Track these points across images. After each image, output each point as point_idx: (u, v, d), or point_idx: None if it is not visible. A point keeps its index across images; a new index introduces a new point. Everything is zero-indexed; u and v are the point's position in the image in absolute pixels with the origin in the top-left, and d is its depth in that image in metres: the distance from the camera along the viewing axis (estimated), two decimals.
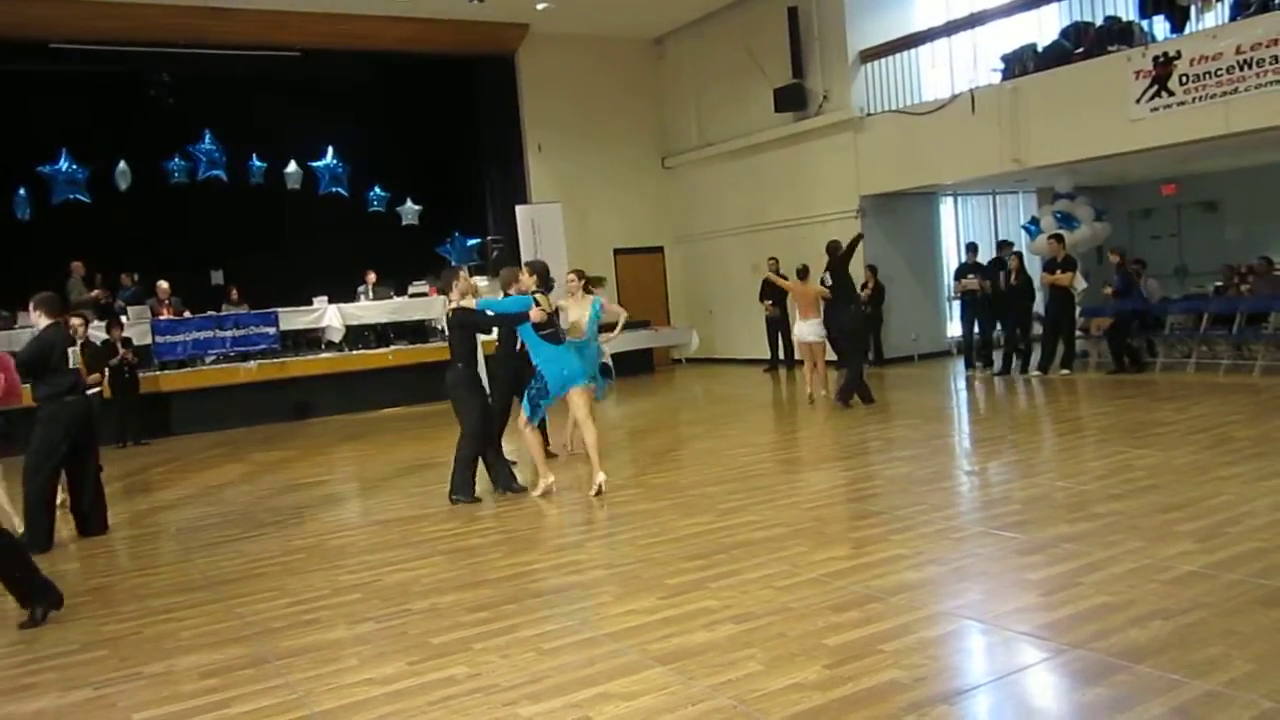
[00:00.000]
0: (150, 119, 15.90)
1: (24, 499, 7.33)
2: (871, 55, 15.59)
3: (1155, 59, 11.70)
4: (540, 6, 16.59)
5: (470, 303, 7.94)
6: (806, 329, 11.84)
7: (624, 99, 19.15)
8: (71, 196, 15.42)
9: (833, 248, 11.79)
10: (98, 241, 15.06)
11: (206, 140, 16.37)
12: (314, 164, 17.38)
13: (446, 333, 7.98)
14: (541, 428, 8.24)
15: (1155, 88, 11.70)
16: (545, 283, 7.71)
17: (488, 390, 8.34)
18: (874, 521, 6.27)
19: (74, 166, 15.41)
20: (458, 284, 7.83)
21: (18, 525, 7.33)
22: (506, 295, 8.35)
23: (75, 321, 10.07)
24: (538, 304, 7.54)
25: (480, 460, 8.00)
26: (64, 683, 4.51)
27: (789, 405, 12.12)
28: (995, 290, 13.37)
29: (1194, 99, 11.37)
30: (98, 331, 13.62)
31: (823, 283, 11.87)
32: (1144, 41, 12.23)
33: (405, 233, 17.89)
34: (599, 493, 7.62)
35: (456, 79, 18.13)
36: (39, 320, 7.38)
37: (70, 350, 7.37)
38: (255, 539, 7.24)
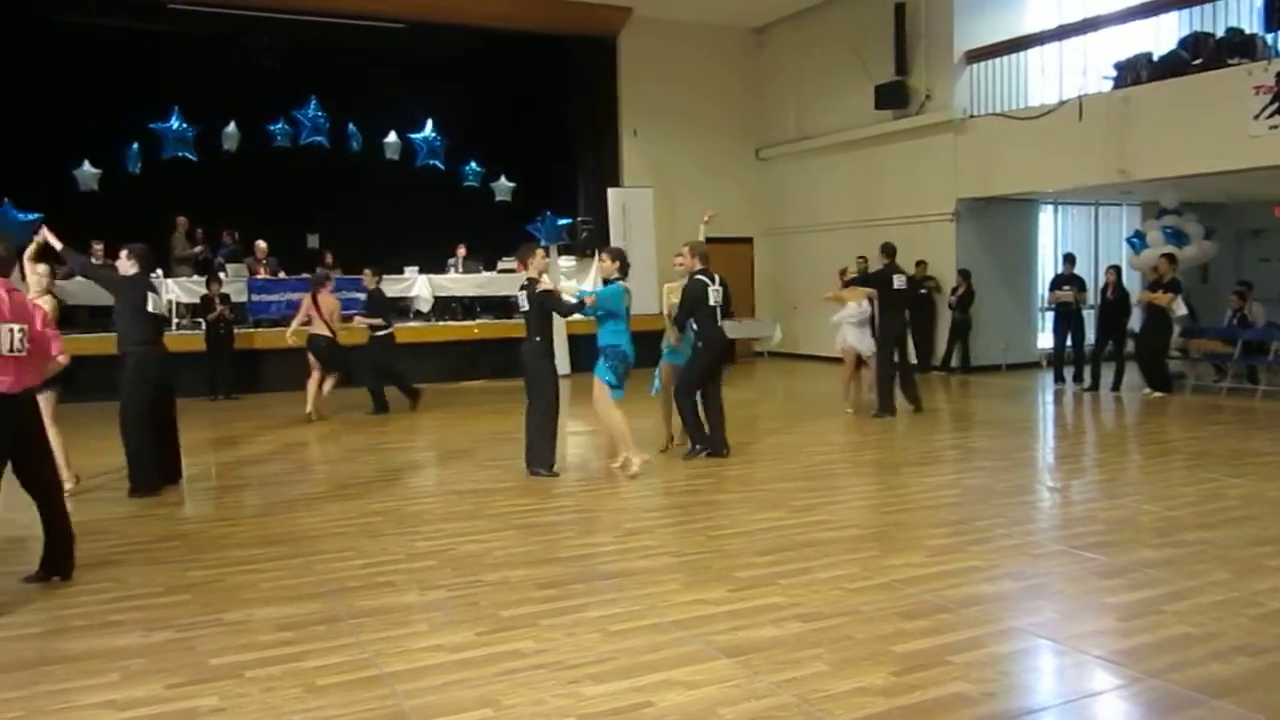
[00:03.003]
0: (258, 83, 16.32)
1: (124, 446, 7.62)
2: (978, 56, 15.28)
3: (1278, 74, 11.25)
4: None
5: (569, 290, 8.36)
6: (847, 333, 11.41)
7: (722, 88, 19.06)
8: (180, 154, 15.90)
9: (890, 249, 11.26)
10: (202, 198, 15.53)
11: (311, 107, 16.71)
12: (413, 136, 17.63)
13: (524, 307, 8.10)
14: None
15: (1276, 104, 11.25)
16: (625, 268, 8.04)
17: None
18: (950, 531, 6.17)
19: (184, 125, 15.87)
20: (534, 260, 8.08)
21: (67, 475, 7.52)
22: (704, 270, 8.69)
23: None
24: (627, 291, 7.91)
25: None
26: (148, 623, 4.68)
27: (870, 406, 11.96)
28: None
29: None
30: (196, 286, 14.10)
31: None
32: (1267, 55, 11.75)
33: (498, 209, 18.06)
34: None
35: (557, 59, 18.23)
36: (128, 269, 7.62)
37: (152, 296, 7.59)
38: (335, 499, 7.41)
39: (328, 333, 11.64)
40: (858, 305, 11.25)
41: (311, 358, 11.67)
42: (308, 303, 11.80)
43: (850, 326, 11.34)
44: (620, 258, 8.07)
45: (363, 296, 14.62)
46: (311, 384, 11.61)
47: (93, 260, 12.10)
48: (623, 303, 7.86)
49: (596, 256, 17.07)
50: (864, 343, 11.32)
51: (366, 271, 12.53)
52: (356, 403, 12.24)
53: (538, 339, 8.00)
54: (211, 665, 4.16)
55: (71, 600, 5.04)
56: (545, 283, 8.10)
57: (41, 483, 5.34)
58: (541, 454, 8.06)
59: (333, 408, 12.01)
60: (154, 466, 7.65)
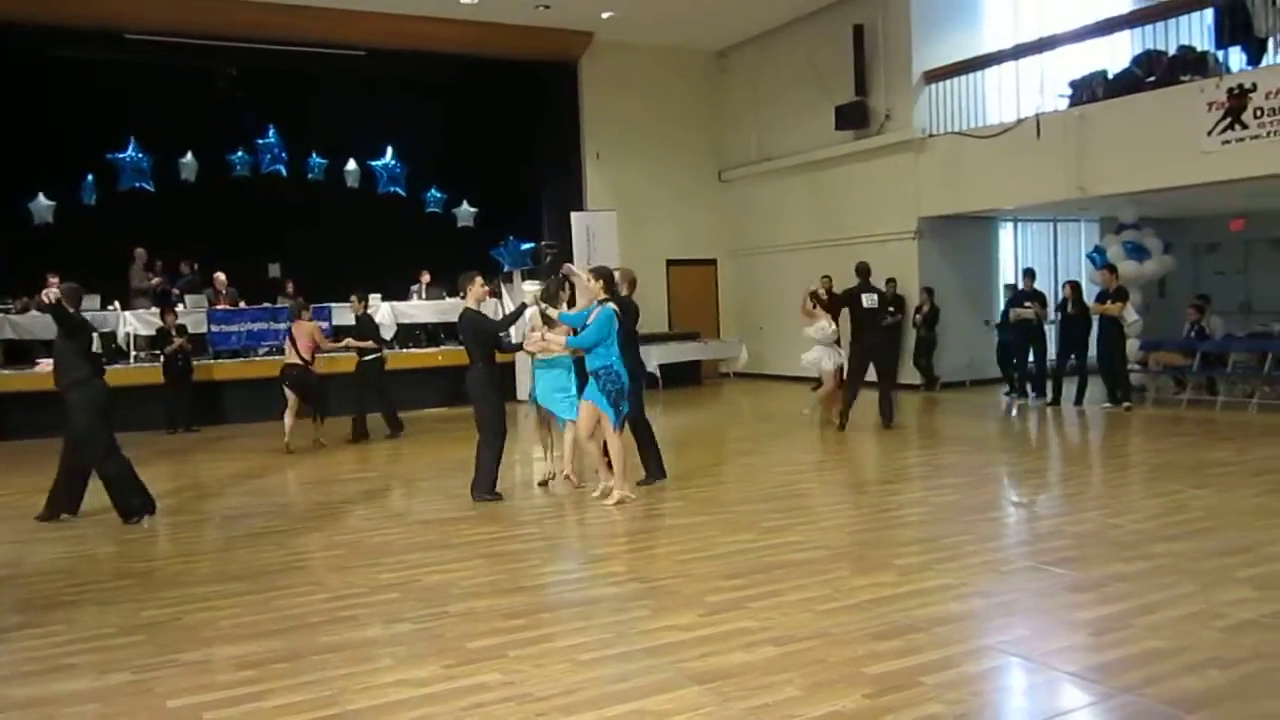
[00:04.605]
0: (217, 112, 16.15)
1: (107, 482, 7.60)
2: (936, 76, 15.43)
3: (1230, 90, 11.43)
4: (605, 16, 16.63)
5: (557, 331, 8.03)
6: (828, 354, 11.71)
7: (684, 110, 19.12)
8: (137, 185, 15.71)
9: (863, 269, 11.60)
10: (160, 229, 15.36)
11: (270, 135, 16.59)
12: (373, 163, 17.54)
13: (460, 336, 8.18)
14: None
15: (1228, 120, 11.43)
16: (610, 288, 7.77)
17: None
18: (919, 549, 6.15)
19: (141, 155, 15.69)
20: (471, 288, 8.07)
21: None
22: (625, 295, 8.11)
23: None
24: (615, 313, 7.61)
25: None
26: (102, 665, 4.54)
27: (836, 425, 11.97)
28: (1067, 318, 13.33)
29: (1269, 133, 11.08)
30: (154, 318, 13.89)
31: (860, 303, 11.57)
32: (1219, 72, 11.94)
33: (460, 234, 17.95)
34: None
35: (518, 83, 18.19)
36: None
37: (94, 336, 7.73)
38: (297, 532, 7.28)
39: (300, 361, 11.55)
40: (826, 323, 11.41)
41: (286, 388, 11.60)
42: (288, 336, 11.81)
43: (818, 346, 11.47)
44: (606, 276, 7.78)
45: (327, 325, 14.58)
46: (289, 416, 11.55)
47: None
48: (611, 327, 7.56)
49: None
50: (830, 360, 11.50)
51: (352, 298, 12.75)
52: (334, 432, 12.07)
53: (479, 365, 7.99)
54: (169, 708, 4.04)
55: (21, 644, 4.88)
56: (536, 322, 8.17)
57: None
58: (482, 482, 8.04)
59: (309, 437, 11.85)
60: (140, 485, 7.69)
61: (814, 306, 11.75)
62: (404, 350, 15.56)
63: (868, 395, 11.64)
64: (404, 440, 12.19)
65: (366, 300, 12.78)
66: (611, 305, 7.62)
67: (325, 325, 14.66)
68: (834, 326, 11.62)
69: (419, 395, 15.05)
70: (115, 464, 7.60)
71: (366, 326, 12.47)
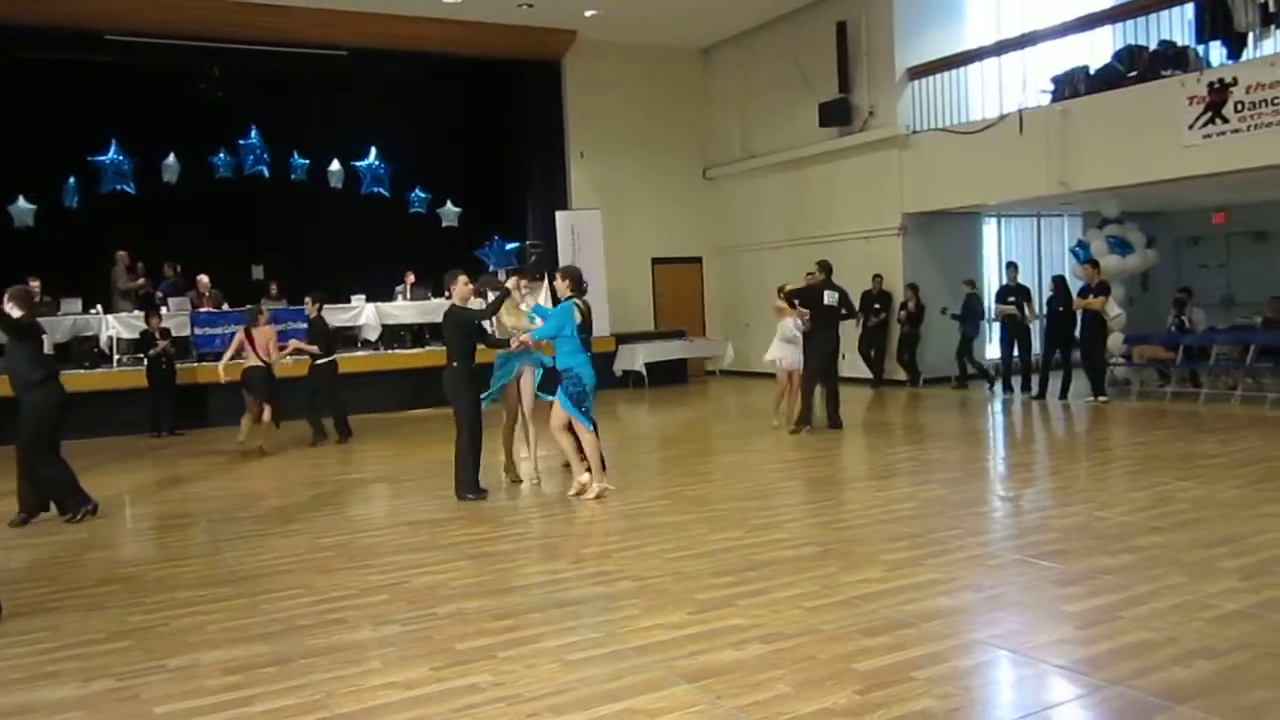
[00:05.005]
0: (199, 113, 16.06)
1: (41, 483, 7.67)
2: (919, 72, 15.46)
3: (1210, 85, 11.50)
4: (589, 14, 16.61)
5: (517, 319, 8.34)
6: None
7: (668, 108, 19.11)
8: (119, 187, 15.61)
9: (825, 266, 11.55)
10: (142, 231, 15.26)
11: (253, 136, 16.50)
12: (356, 163, 17.49)
13: (444, 334, 8.25)
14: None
15: (1209, 114, 11.49)
16: (579, 288, 7.95)
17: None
18: (907, 544, 6.16)
19: (122, 157, 15.60)
20: (455, 286, 8.14)
21: None
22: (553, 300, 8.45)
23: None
24: (578, 308, 7.81)
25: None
26: (87, 672, 4.50)
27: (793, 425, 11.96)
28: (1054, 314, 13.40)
29: (1249, 127, 11.15)
30: (137, 321, 13.80)
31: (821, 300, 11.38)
32: (1199, 67, 12.01)
33: (445, 234, 17.94)
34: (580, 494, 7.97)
35: (502, 82, 18.16)
36: (12, 312, 7.46)
37: (44, 338, 7.71)
38: (284, 535, 7.24)
39: (260, 363, 11.41)
40: (796, 320, 11.32)
41: (245, 391, 11.52)
42: (240, 336, 11.55)
43: (777, 341, 11.44)
44: (573, 276, 8.01)
45: (305, 325, 14.46)
46: (246, 418, 11.50)
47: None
48: (572, 321, 7.74)
49: (546, 279, 17.06)
50: (789, 357, 11.40)
51: (307, 299, 12.39)
52: (307, 435, 12.02)
53: (455, 364, 8.04)
54: (156, 714, 4.01)
55: (3, 651, 4.84)
56: (519, 311, 8.33)
57: None
58: (465, 481, 8.13)
59: (284, 441, 11.77)
60: (79, 488, 7.80)
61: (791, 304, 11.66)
62: (389, 351, 15.49)
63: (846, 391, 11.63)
64: (376, 442, 12.09)
65: (322, 302, 12.40)
66: (575, 300, 7.83)
67: (304, 325, 14.61)
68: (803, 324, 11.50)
69: (404, 396, 15.02)
70: (54, 468, 7.68)
71: (318, 331, 12.11)
